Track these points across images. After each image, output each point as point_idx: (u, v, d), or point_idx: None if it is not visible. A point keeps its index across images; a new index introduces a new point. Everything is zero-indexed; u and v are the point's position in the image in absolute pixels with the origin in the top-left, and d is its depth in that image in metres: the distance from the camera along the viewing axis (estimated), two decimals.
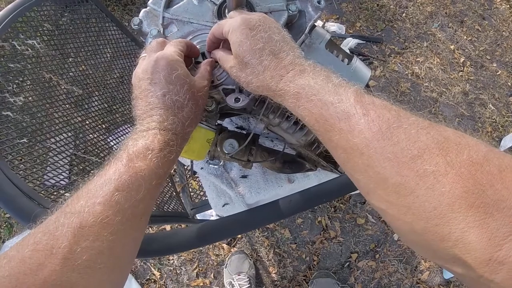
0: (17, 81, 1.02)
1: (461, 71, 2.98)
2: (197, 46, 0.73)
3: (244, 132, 1.01)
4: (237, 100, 0.68)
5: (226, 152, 0.87)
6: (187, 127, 0.60)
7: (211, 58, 0.70)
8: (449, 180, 0.38)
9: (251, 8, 0.74)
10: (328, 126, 0.50)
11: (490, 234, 0.35)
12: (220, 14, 0.74)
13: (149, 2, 0.78)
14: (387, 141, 0.43)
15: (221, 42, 0.67)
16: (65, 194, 0.94)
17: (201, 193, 1.77)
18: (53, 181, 0.98)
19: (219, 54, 0.66)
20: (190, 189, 1.73)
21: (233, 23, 0.60)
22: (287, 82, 0.55)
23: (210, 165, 1.13)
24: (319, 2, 0.76)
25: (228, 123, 1.11)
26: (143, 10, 0.77)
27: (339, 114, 0.48)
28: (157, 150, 0.54)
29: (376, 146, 0.43)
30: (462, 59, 3.02)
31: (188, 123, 0.60)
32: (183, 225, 1.84)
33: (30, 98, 1.05)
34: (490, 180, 0.37)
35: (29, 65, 1.07)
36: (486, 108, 2.84)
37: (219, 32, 0.64)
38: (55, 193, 0.90)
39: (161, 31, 0.75)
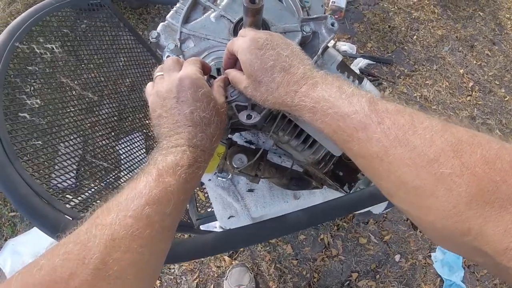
0: (34, 83, 1.04)
1: (470, 95, 2.99)
2: (212, 63, 0.74)
3: (253, 147, 1.03)
4: (249, 117, 0.69)
5: (235, 166, 0.88)
6: (213, 143, 0.62)
7: (225, 75, 0.71)
8: (465, 180, 0.40)
9: (266, 28, 0.75)
10: (346, 137, 0.51)
11: (505, 226, 0.37)
12: (236, 32, 0.76)
13: (167, 16, 0.79)
14: (404, 147, 0.45)
15: (237, 60, 0.68)
16: (76, 199, 0.95)
17: (207, 204, 1.78)
18: (62, 186, 1.00)
19: (232, 75, 0.68)
20: (197, 200, 1.74)
21: (241, 44, 0.62)
22: (302, 97, 0.56)
23: (218, 178, 1.14)
24: (332, 25, 0.78)
25: (237, 137, 1.12)
26: (161, 24, 0.79)
27: (356, 125, 0.50)
28: (186, 166, 0.55)
29: (394, 153, 0.45)
30: (470, 84, 3.04)
31: (215, 139, 0.62)
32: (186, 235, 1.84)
33: (46, 101, 1.07)
34: (503, 176, 0.39)
35: (47, 69, 1.10)
36: (492, 134, 2.83)
37: (231, 50, 0.66)
38: (60, 195, 0.91)
39: (178, 46, 0.76)
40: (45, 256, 0.44)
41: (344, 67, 0.89)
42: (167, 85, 0.63)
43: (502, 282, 2.30)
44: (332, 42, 2.96)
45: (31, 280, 0.41)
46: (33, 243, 2.08)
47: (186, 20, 0.79)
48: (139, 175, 0.54)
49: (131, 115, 1.54)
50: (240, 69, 0.66)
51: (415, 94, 2.93)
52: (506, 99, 3.01)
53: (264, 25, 0.75)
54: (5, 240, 2.16)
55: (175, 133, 0.59)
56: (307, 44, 0.79)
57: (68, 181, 1.03)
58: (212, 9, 0.79)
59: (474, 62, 3.17)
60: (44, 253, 0.45)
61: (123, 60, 1.49)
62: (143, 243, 0.48)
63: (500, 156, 0.40)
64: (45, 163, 0.94)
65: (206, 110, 0.60)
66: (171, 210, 0.52)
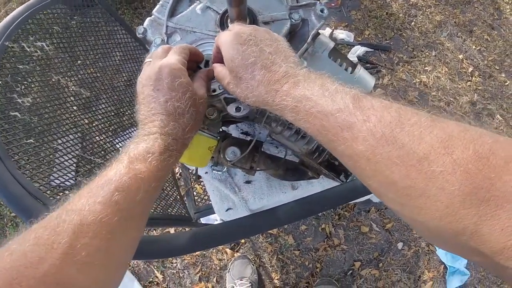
0: (25, 82, 1.04)
1: (469, 81, 2.97)
2: None
3: (248, 138, 1.02)
4: (238, 109, 0.69)
5: (229, 159, 0.88)
6: (187, 133, 0.62)
7: (211, 68, 0.71)
8: (458, 178, 0.38)
9: (253, 17, 0.74)
10: (331, 136, 0.50)
11: (502, 225, 0.36)
12: (223, 24, 0.75)
13: (153, 10, 0.79)
14: (391, 145, 0.43)
15: None
16: (68, 194, 0.95)
17: (205, 197, 1.78)
18: (59, 181, 0.99)
19: (217, 70, 0.67)
20: (195, 193, 1.74)
21: (224, 39, 0.62)
22: (283, 96, 0.55)
23: (213, 171, 1.14)
24: (322, 11, 0.77)
25: (233, 128, 1.12)
26: (147, 19, 0.79)
27: (340, 124, 0.48)
28: (157, 154, 0.55)
29: (382, 152, 0.44)
30: (470, 69, 3.01)
31: (188, 129, 0.62)
32: (187, 229, 1.84)
33: (38, 99, 1.06)
34: (498, 173, 0.37)
35: (38, 67, 1.09)
36: (493, 119, 2.82)
37: (217, 44, 0.66)
38: (60, 193, 0.91)
39: (165, 40, 0.76)
40: (16, 241, 0.44)
41: (336, 54, 0.88)
42: (148, 73, 0.63)
43: None
44: (329, 30, 2.95)
45: (2, 264, 0.42)
46: None
47: (172, 13, 0.79)
48: (111, 163, 0.55)
49: (128, 110, 1.53)
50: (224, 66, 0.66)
51: (414, 81, 2.91)
52: (506, 84, 2.99)
53: (250, 15, 0.74)
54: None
55: (149, 121, 0.60)
56: (297, 32, 0.78)
57: (66, 177, 1.02)
58: (198, 1, 0.78)
59: (473, 47, 3.14)
60: (15, 238, 0.45)
61: (118, 55, 1.48)
62: (111, 230, 0.48)
63: (494, 151, 0.39)
64: (38, 161, 0.94)
65: (180, 100, 0.60)
66: (141, 197, 0.52)
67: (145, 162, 0.54)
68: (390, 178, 0.44)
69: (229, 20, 0.73)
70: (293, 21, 0.74)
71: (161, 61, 0.63)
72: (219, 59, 0.69)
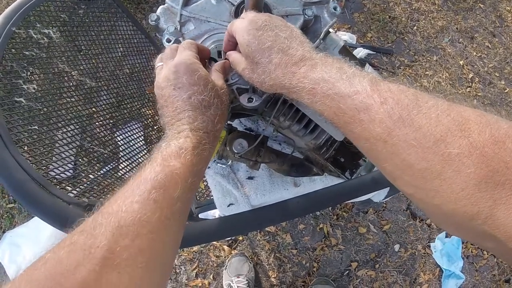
0: (31, 68, 1.03)
1: (469, 87, 2.98)
2: (213, 45, 0.73)
3: (253, 133, 1.02)
4: (250, 100, 0.69)
5: (236, 151, 0.87)
6: (216, 124, 0.61)
7: (225, 58, 0.70)
8: (474, 161, 0.38)
9: (268, 11, 0.74)
10: (347, 119, 0.50)
11: None
12: (238, 15, 0.75)
13: None
14: (408, 128, 0.43)
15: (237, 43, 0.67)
16: (71, 186, 0.95)
17: (207, 192, 1.77)
18: (55, 173, 0.99)
19: (232, 57, 0.67)
20: (196, 188, 1.74)
21: (239, 25, 0.62)
22: (301, 78, 0.55)
23: (217, 165, 1.13)
24: (335, 9, 0.77)
25: (237, 125, 1.12)
26: (161, 7, 0.78)
27: (358, 106, 0.48)
28: (191, 149, 0.54)
29: (399, 134, 0.44)
30: (470, 75, 3.02)
31: (217, 120, 0.61)
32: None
33: (43, 86, 1.06)
34: None
35: (43, 54, 1.09)
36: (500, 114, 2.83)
37: (230, 32, 0.65)
38: (60, 183, 0.91)
39: (178, 28, 0.75)
40: (51, 250, 0.42)
41: (346, 52, 0.88)
42: (164, 74, 0.62)
43: (500, 273, 2.30)
44: (332, 31, 2.94)
45: (36, 274, 0.39)
46: (31, 234, 2.07)
47: (186, 2, 0.78)
48: (145, 164, 0.53)
49: (129, 104, 1.53)
50: (239, 52, 0.65)
51: (415, 85, 2.89)
52: (506, 91, 3.00)
53: (265, 8, 0.74)
54: (3, 232, 2.15)
55: (177, 120, 0.58)
56: (309, 28, 0.78)
57: (65, 166, 1.02)
58: None
59: (474, 53, 3.15)
60: (51, 248, 0.43)
61: (121, 49, 1.48)
62: (152, 229, 0.46)
63: (510, 135, 0.39)
64: (42, 148, 0.93)
65: (204, 93, 0.59)
66: (180, 193, 0.50)
67: (179, 158, 0.53)
68: (406, 161, 0.44)
69: (244, 11, 0.73)
70: (306, 17, 0.74)
71: (174, 60, 0.62)
72: (231, 46, 0.69)
